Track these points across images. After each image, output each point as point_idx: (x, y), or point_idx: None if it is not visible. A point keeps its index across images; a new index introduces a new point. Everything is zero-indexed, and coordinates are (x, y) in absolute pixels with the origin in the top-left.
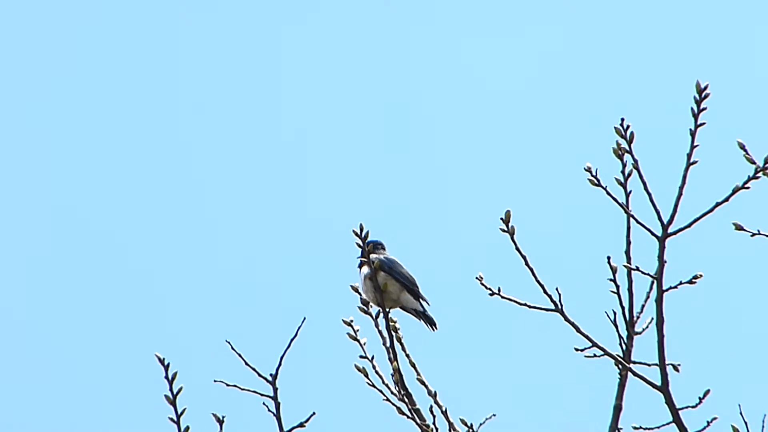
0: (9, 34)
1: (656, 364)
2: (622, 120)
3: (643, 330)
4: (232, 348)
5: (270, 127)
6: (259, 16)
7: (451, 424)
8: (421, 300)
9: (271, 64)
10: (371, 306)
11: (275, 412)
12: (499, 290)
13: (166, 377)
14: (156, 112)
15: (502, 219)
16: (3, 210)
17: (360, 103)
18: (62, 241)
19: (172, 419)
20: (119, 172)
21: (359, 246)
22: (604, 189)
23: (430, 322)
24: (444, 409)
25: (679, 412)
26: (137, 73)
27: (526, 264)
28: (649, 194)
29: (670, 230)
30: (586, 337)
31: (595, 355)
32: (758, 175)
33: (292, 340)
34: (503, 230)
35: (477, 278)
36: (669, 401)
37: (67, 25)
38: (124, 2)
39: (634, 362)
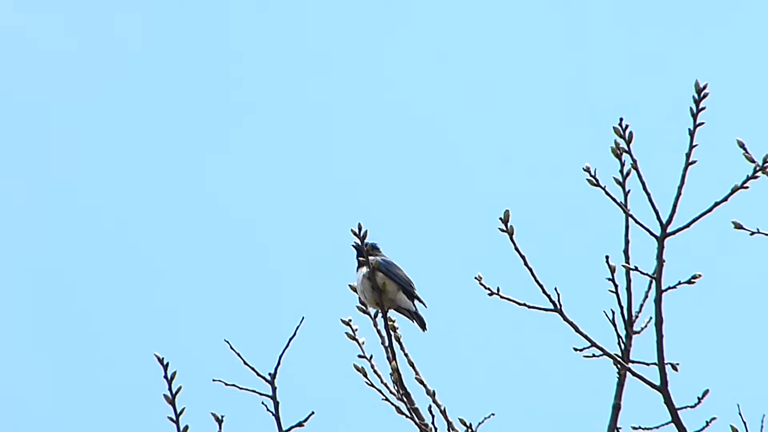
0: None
1: (655, 364)
2: (621, 120)
3: (642, 329)
4: (231, 347)
5: (268, 126)
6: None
7: (449, 424)
8: (415, 301)
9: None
10: (369, 306)
11: (274, 412)
12: (498, 290)
13: (165, 377)
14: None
15: (501, 219)
16: (3, 209)
17: (361, 100)
18: (63, 241)
19: (171, 419)
20: (122, 173)
21: (356, 246)
22: (603, 189)
23: (421, 323)
24: (443, 409)
25: (678, 412)
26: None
27: (525, 264)
28: (648, 194)
29: (669, 230)
30: (585, 337)
31: (594, 355)
32: (757, 174)
33: (290, 339)
34: (502, 230)
35: (476, 278)
36: (668, 401)
37: None
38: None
39: (633, 362)
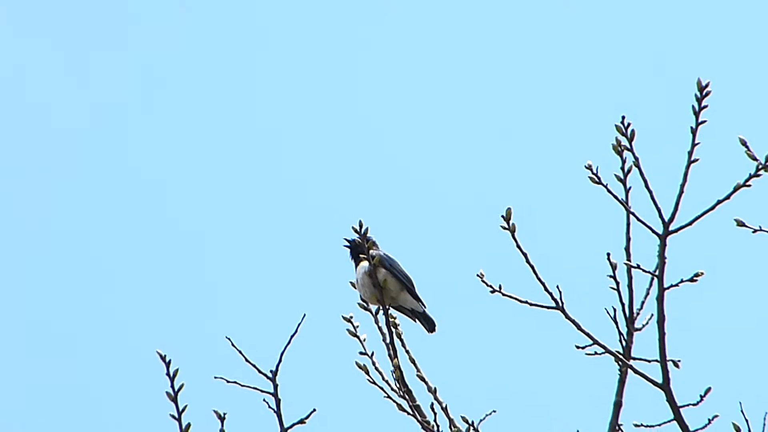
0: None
1: (657, 361)
2: (623, 117)
3: (643, 326)
4: (233, 345)
5: (270, 122)
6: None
7: (451, 421)
8: (420, 301)
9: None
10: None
11: (276, 409)
12: (500, 288)
13: (168, 374)
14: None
15: (503, 216)
16: (6, 210)
17: (361, 100)
18: (65, 241)
19: (173, 416)
20: (121, 175)
21: (349, 243)
22: (605, 187)
23: (430, 324)
24: (444, 406)
25: (680, 409)
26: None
27: (527, 261)
28: (650, 192)
29: (671, 228)
30: (587, 334)
31: (595, 353)
32: (760, 172)
33: (292, 336)
34: (504, 228)
35: (478, 275)
36: (670, 399)
37: None
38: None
39: (635, 359)
